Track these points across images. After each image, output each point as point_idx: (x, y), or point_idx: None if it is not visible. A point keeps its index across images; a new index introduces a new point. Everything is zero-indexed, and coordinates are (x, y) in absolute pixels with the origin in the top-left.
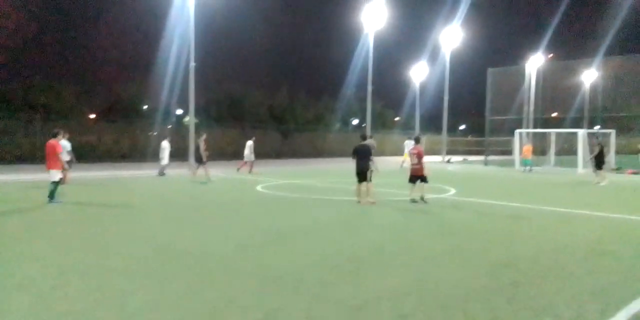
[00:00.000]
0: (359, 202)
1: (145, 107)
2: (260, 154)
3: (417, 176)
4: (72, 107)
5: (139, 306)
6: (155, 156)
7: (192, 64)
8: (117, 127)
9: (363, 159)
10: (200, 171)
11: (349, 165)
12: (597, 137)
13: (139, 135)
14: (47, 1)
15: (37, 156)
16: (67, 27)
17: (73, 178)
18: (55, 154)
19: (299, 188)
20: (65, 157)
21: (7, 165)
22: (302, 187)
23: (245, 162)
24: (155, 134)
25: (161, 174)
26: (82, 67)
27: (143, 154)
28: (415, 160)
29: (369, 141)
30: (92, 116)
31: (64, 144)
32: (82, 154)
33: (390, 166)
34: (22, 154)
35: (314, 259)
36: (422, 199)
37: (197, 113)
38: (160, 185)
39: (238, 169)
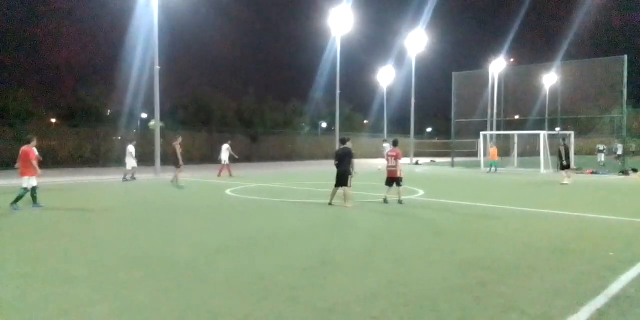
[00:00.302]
0: (330, 204)
1: (109, 111)
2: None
3: (393, 178)
4: (31, 111)
5: (104, 315)
6: (119, 161)
7: (157, 67)
8: (79, 131)
9: (344, 163)
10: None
11: (319, 168)
12: (562, 139)
13: (102, 140)
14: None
15: None
16: (27, 28)
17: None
18: (28, 161)
19: (269, 192)
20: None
21: None
22: (273, 191)
23: (226, 166)
24: (119, 138)
25: (126, 179)
26: (43, 70)
27: (107, 159)
28: (393, 163)
29: (348, 144)
30: (54, 121)
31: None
32: (43, 159)
33: (364, 169)
34: None
35: (286, 263)
36: (399, 202)
37: (164, 117)
38: (127, 190)
39: (221, 174)
